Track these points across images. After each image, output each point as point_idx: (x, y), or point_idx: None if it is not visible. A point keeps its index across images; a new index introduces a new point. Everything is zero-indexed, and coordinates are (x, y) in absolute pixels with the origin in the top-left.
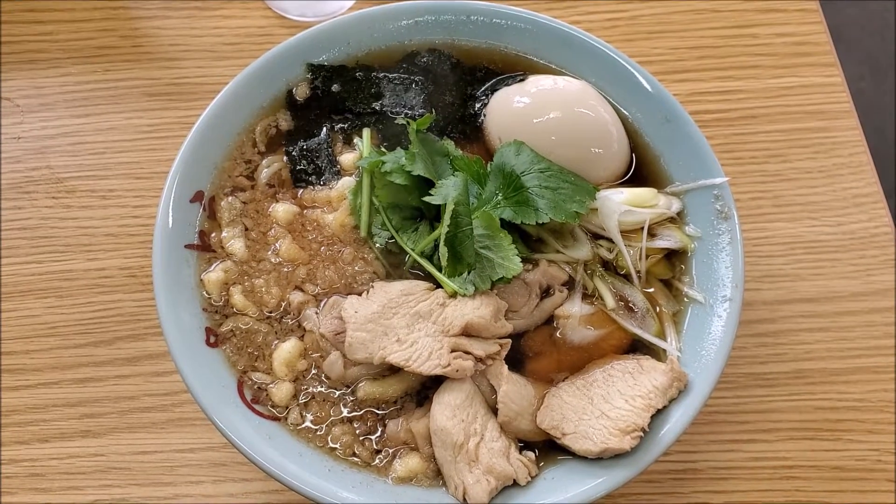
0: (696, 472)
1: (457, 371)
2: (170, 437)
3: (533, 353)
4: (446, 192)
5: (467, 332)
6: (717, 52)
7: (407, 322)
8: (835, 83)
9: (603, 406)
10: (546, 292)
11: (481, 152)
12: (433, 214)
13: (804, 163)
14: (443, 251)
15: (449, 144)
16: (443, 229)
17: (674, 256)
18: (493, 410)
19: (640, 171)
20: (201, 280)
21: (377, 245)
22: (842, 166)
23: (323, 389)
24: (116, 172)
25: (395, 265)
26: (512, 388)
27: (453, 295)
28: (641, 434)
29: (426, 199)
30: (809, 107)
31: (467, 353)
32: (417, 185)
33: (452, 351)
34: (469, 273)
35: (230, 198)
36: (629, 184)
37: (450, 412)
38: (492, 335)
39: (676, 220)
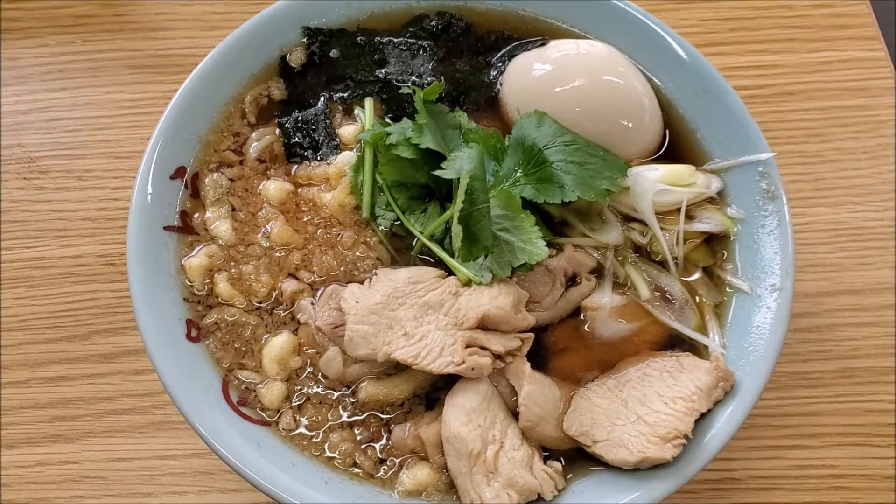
0: (734, 481)
1: (472, 369)
2: (150, 442)
3: (558, 348)
4: (459, 165)
5: (484, 326)
6: (751, 25)
7: (415, 314)
8: (877, 58)
9: (639, 409)
10: (572, 281)
11: (498, 125)
12: (444, 193)
13: (846, 143)
14: (456, 231)
15: (461, 116)
16: (456, 207)
17: (714, 241)
18: (514, 415)
19: (674, 147)
20: (182, 266)
21: (381, 227)
22: (887, 147)
23: (319, 390)
24: (94, 151)
25: (402, 250)
26: (535, 389)
27: (468, 283)
28: (684, 441)
29: (437, 172)
30: (850, 83)
31: (484, 348)
32: (426, 161)
33: (467, 346)
34: (485, 258)
35: (216, 174)
36: (662, 161)
37: (464, 416)
38: (512, 329)
39: (716, 200)
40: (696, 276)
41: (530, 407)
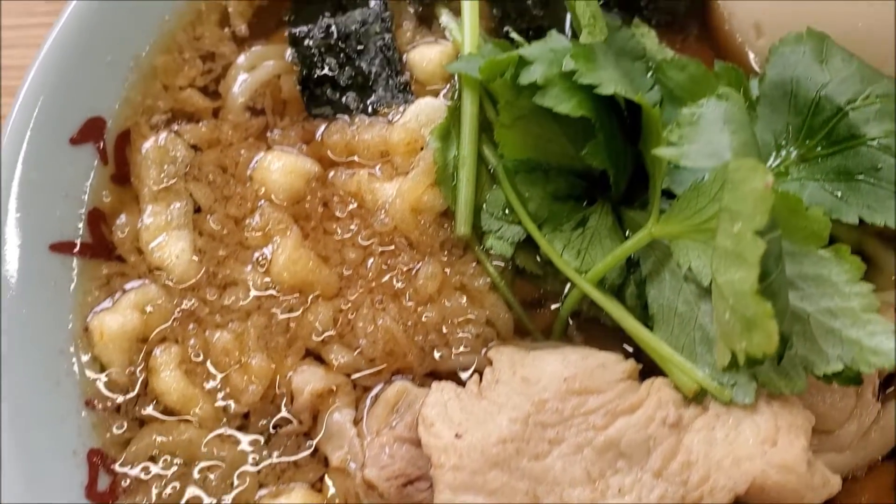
0: None
1: None
2: None
3: None
4: (711, 142)
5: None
6: None
7: (588, 467)
8: None
9: None
10: (886, 385)
11: (706, 56)
12: (622, 191)
13: None
14: (729, 305)
15: (646, 36)
16: (719, 241)
17: None
18: None
19: None
20: (87, 330)
21: (495, 259)
22: None
23: None
24: None
25: (536, 304)
26: None
27: (697, 397)
28: None
29: (685, 162)
30: None
31: None
32: (594, 116)
33: None
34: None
35: (164, 135)
36: None
37: None
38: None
39: None
40: None
41: None
